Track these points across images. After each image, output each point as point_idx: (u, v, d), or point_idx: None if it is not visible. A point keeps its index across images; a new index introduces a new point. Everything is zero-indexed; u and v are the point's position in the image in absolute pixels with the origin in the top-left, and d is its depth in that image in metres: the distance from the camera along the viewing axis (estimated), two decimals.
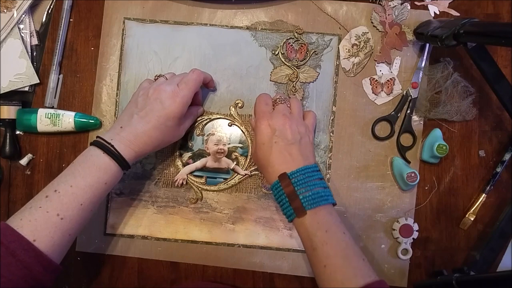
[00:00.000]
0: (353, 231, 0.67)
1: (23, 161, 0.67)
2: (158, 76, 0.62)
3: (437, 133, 0.67)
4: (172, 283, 0.67)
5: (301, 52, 0.68)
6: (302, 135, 0.58)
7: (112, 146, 0.54)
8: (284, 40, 0.68)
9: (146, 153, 0.58)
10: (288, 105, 0.61)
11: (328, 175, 0.67)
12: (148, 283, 0.67)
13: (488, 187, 0.67)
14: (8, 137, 0.66)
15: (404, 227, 0.66)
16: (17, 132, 0.67)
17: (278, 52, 0.68)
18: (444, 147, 0.64)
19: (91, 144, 0.55)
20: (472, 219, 0.67)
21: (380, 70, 0.68)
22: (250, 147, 0.67)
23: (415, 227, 0.66)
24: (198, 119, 0.67)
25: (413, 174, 0.64)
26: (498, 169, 0.67)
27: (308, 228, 0.53)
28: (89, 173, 0.53)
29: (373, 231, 0.67)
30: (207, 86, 0.66)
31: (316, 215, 0.53)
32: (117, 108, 0.68)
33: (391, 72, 0.69)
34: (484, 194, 0.67)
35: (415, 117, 0.68)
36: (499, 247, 0.66)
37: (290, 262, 0.66)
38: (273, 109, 0.60)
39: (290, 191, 0.54)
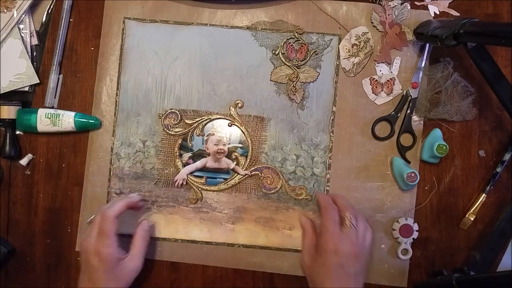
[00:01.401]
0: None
1: (23, 161, 0.67)
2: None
3: (437, 133, 0.67)
4: (172, 283, 0.67)
5: (302, 52, 0.68)
6: (363, 265, 0.59)
7: None
8: (285, 40, 0.68)
9: None
10: (357, 229, 0.59)
11: (328, 175, 0.67)
12: (148, 283, 0.67)
13: (488, 187, 0.67)
14: (8, 137, 0.66)
15: (404, 227, 0.66)
16: (17, 132, 0.67)
17: (279, 52, 0.68)
18: (444, 147, 0.64)
19: None
20: (472, 219, 0.67)
21: (380, 70, 0.68)
22: (250, 147, 0.67)
23: (415, 227, 0.66)
24: (198, 119, 0.67)
25: (413, 174, 0.64)
26: (498, 169, 0.67)
27: None
28: None
29: (373, 231, 0.67)
30: (135, 209, 0.64)
31: None
32: (116, 108, 0.68)
33: (391, 72, 0.69)
34: (484, 194, 0.67)
35: (415, 117, 0.68)
36: (499, 247, 0.66)
37: (290, 262, 0.66)
38: (341, 228, 0.59)
39: None
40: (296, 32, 0.68)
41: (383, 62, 0.68)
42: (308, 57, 0.68)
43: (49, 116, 0.65)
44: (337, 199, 0.62)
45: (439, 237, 0.68)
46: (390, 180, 0.68)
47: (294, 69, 0.68)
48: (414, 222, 0.67)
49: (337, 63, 0.68)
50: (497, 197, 0.68)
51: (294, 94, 0.68)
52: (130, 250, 0.60)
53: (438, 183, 0.68)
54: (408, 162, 0.67)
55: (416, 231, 0.66)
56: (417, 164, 0.68)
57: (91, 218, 0.62)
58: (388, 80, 0.68)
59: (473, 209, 0.67)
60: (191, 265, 0.67)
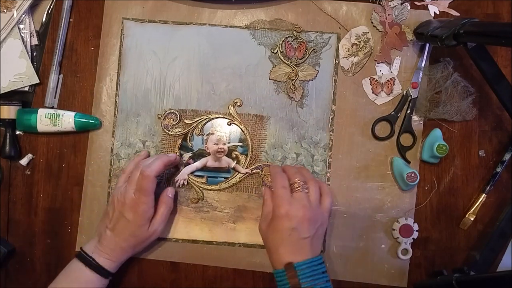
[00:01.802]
0: (353, 231, 0.67)
1: (23, 161, 0.67)
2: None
3: (437, 133, 0.67)
4: (172, 283, 0.67)
5: (300, 50, 0.68)
6: (317, 228, 0.58)
7: (93, 259, 0.59)
8: (283, 38, 0.68)
9: (125, 259, 0.62)
10: (307, 192, 0.59)
11: (328, 175, 0.67)
12: (148, 283, 0.67)
13: (488, 187, 0.67)
14: (8, 137, 0.66)
15: (404, 227, 0.66)
16: (17, 132, 0.67)
17: (277, 51, 0.68)
18: (444, 147, 0.64)
19: (75, 256, 0.60)
20: (472, 219, 0.67)
21: (380, 70, 0.68)
22: (250, 145, 0.67)
23: (415, 227, 0.66)
24: (197, 119, 0.67)
25: (413, 174, 0.64)
26: (498, 169, 0.67)
27: None
28: (70, 285, 0.58)
29: (373, 231, 0.67)
30: (172, 166, 0.66)
31: None
32: (116, 109, 0.68)
33: (391, 72, 0.69)
34: (484, 194, 0.67)
35: (415, 117, 0.68)
36: (499, 247, 0.66)
37: None
38: (291, 194, 0.59)
39: (294, 283, 0.54)
40: (295, 30, 0.68)
41: (383, 62, 0.68)
42: (307, 55, 0.68)
43: (49, 116, 0.65)
44: (287, 168, 0.62)
45: (439, 237, 0.68)
46: (390, 180, 0.68)
47: (293, 67, 0.68)
48: (414, 222, 0.66)
49: (336, 61, 0.68)
50: (497, 197, 0.68)
51: (293, 92, 0.68)
52: (154, 215, 0.62)
53: (438, 183, 0.68)
54: (408, 162, 0.67)
55: (416, 231, 0.66)
56: (417, 164, 0.68)
57: (125, 167, 0.64)
58: (388, 80, 0.68)
59: (473, 209, 0.67)
60: (191, 265, 0.67)
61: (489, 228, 0.67)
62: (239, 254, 0.67)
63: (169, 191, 0.64)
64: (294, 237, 0.56)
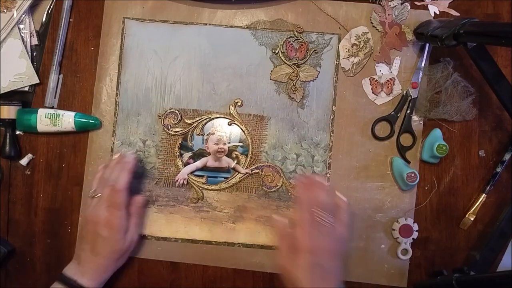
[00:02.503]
0: (353, 231, 0.67)
1: (23, 161, 0.67)
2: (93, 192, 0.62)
3: (437, 133, 0.67)
4: (172, 283, 0.67)
5: (301, 51, 0.68)
6: (342, 261, 0.56)
7: (76, 281, 0.58)
8: (284, 39, 0.68)
9: (108, 276, 0.62)
10: (330, 224, 0.56)
11: (328, 175, 0.67)
12: (148, 283, 0.67)
13: (488, 187, 0.67)
14: (8, 137, 0.66)
15: (404, 227, 0.66)
16: (17, 132, 0.67)
17: (278, 51, 0.68)
18: (444, 147, 0.64)
19: (57, 280, 0.59)
20: (472, 219, 0.67)
21: (380, 70, 0.68)
22: (250, 145, 0.67)
23: (415, 227, 0.66)
24: (198, 118, 0.67)
25: (413, 174, 0.64)
26: (498, 169, 0.67)
27: None
28: None
29: (373, 231, 0.67)
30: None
31: None
32: (116, 108, 0.68)
33: (391, 72, 0.69)
34: (484, 194, 0.67)
35: (415, 117, 0.68)
36: (499, 247, 0.66)
37: None
38: (315, 226, 0.55)
39: None
40: (296, 31, 0.68)
41: (382, 62, 0.68)
42: (308, 56, 0.68)
43: (49, 116, 0.65)
44: (312, 191, 0.58)
45: (439, 237, 0.68)
46: (390, 180, 0.68)
47: (294, 68, 0.68)
48: (414, 222, 0.67)
49: (337, 62, 0.68)
50: (497, 197, 0.68)
51: (294, 93, 0.68)
52: (128, 227, 0.62)
53: (438, 183, 0.68)
54: (408, 162, 0.67)
55: (416, 231, 0.66)
56: (417, 164, 0.68)
57: (93, 191, 0.62)
58: (388, 80, 0.68)
59: (473, 209, 0.67)
60: (191, 265, 0.67)
61: (489, 228, 0.67)
62: (239, 254, 0.67)
63: (137, 201, 0.64)
64: (319, 272, 0.53)
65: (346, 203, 0.60)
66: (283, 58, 0.68)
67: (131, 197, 0.63)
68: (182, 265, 0.67)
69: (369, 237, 0.67)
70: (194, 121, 0.68)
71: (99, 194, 0.61)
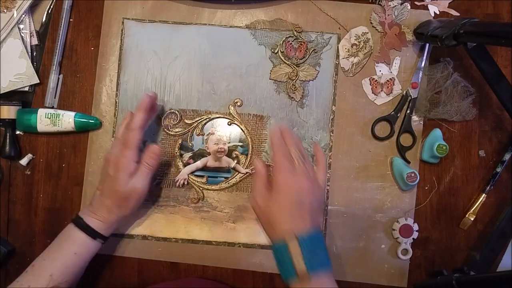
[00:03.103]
0: (353, 231, 0.67)
1: (23, 161, 0.67)
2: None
3: (437, 133, 0.67)
4: None
5: (301, 50, 0.68)
6: (317, 198, 0.57)
7: (82, 219, 0.60)
8: (284, 38, 0.68)
9: (114, 220, 0.61)
10: (305, 165, 0.57)
11: (328, 175, 0.67)
12: (148, 283, 0.67)
13: (488, 187, 0.67)
14: (8, 137, 0.66)
15: (404, 227, 0.66)
16: (17, 132, 0.67)
17: (278, 51, 0.68)
18: (444, 147, 0.64)
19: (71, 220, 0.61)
20: (472, 219, 0.67)
21: (380, 70, 0.68)
22: (250, 145, 0.67)
23: (415, 227, 0.66)
24: (197, 118, 0.67)
25: (413, 174, 0.64)
26: (498, 169, 0.67)
27: None
28: (59, 245, 0.59)
29: (373, 231, 0.67)
30: (153, 112, 0.66)
31: (319, 280, 0.52)
32: (116, 109, 0.68)
33: (391, 72, 0.69)
34: (484, 194, 0.67)
35: (415, 117, 0.68)
36: (499, 247, 0.66)
37: None
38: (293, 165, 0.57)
39: (297, 252, 0.52)
40: (295, 30, 0.68)
41: (382, 62, 0.68)
42: (307, 56, 0.68)
43: (49, 116, 0.65)
44: (287, 138, 0.59)
45: (439, 237, 0.68)
46: (390, 180, 0.68)
47: (294, 67, 0.68)
48: (414, 222, 0.66)
49: (337, 62, 0.68)
50: (497, 197, 0.68)
51: (294, 93, 0.68)
52: (134, 171, 0.60)
53: (438, 183, 0.68)
54: (408, 162, 0.67)
55: (416, 231, 0.66)
56: (417, 164, 0.68)
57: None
58: (388, 80, 0.68)
59: (473, 209, 0.67)
60: (191, 265, 0.67)
61: (489, 228, 0.67)
62: (239, 254, 0.67)
63: (151, 150, 0.61)
64: (298, 210, 0.54)
65: (322, 151, 0.63)
66: (282, 58, 0.68)
67: (146, 146, 0.62)
68: (182, 265, 0.67)
69: (369, 237, 0.67)
70: (194, 121, 0.68)
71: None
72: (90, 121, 0.67)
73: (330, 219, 0.67)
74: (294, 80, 0.68)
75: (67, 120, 0.66)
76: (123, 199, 0.60)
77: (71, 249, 0.58)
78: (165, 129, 0.68)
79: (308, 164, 0.58)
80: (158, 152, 0.61)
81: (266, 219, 0.56)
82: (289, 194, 0.54)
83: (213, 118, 0.68)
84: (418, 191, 0.68)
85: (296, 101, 0.68)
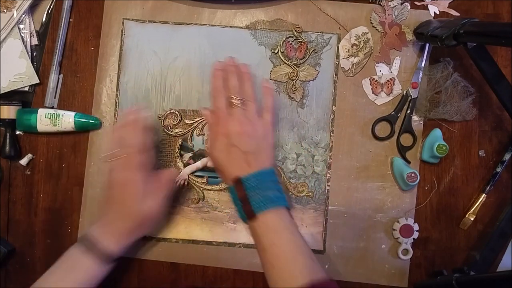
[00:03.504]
0: (354, 231, 0.67)
1: (23, 161, 0.67)
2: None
3: (437, 133, 0.67)
4: (172, 283, 0.67)
5: (301, 51, 0.68)
6: (259, 141, 0.58)
7: (86, 235, 0.57)
8: (284, 38, 0.68)
9: (126, 241, 0.59)
10: (244, 108, 0.59)
11: (328, 175, 0.67)
12: (148, 283, 0.67)
13: (488, 187, 0.67)
14: (8, 137, 0.66)
15: (404, 227, 0.66)
16: (17, 132, 0.67)
17: (278, 51, 0.68)
18: (444, 147, 0.64)
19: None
20: (472, 219, 0.67)
21: (380, 70, 0.69)
22: None
23: (415, 227, 0.66)
24: (198, 119, 0.67)
25: (413, 174, 0.64)
26: (498, 169, 0.67)
27: (257, 230, 0.55)
28: (65, 274, 0.57)
29: (374, 231, 0.67)
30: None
31: (265, 218, 0.55)
32: (116, 109, 0.68)
33: (391, 72, 0.69)
34: (484, 194, 0.67)
35: (415, 117, 0.68)
36: (499, 247, 0.66)
37: None
38: (229, 111, 0.59)
39: (242, 195, 0.55)
40: (295, 30, 0.68)
41: (382, 62, 0.68)
42: (307, 56, 0.68)
43: (49, 116, 0.65)
44: (229, 80, 0.61)
45: (439, 237, 0.68)
46: (391, 180, 0.68)
47: (294, 67, 0.68)
48: (414, 222, 0.67)
49: (337, 62, 0.68)
50: (497, 197, 0.68)
51: (294, 93, 0.68)
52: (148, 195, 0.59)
53: (438, 183, 0.68)
54: (408, 162, 0.67)
55: (416, 231, 0.66)
56: (417, 164, 0.68)
57: (108, 154, 0.59)
58: (388, 80, 0.68)
59: (473, 209, 0.67)
60: (191, 265, 0.67)
61: (489, 228, 0.67)
62: (239, 254, 0.67)
63: (166, 175, 0.62)
64: (236, 153, 0.57)
65: (272, 89, 0.65)
66: (282, 58, 0.68)
67: (159, 171, 0.62)
68: (182, 265, 0.67)
69: (370, 237, 0.67)
70: (194, 121, 0.68)
71: (115, 157, 0.59)
72: (90, 121, 0.67)
73: (331, 219, 0.67)
74: (294, 80, 0.68)
75: (67, 120, 0.66)
76: (139, 225, 0.59)
77: (81, 280, 0.57)
78: (165, 129, 0.67)
79: (251, 106, 0.60)
80: (172, 175, 0.63)
81: (216, 167, 0.61)
82: (226, 140, 0.57)
83: None
84: (418, 191, 0.68)
85: (296, 101, 0.68)
